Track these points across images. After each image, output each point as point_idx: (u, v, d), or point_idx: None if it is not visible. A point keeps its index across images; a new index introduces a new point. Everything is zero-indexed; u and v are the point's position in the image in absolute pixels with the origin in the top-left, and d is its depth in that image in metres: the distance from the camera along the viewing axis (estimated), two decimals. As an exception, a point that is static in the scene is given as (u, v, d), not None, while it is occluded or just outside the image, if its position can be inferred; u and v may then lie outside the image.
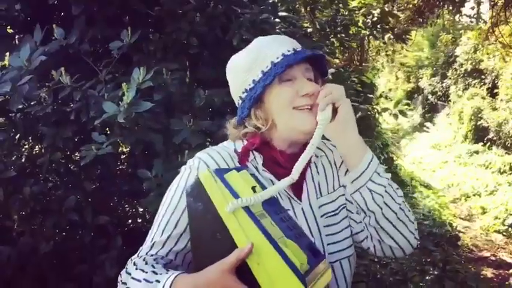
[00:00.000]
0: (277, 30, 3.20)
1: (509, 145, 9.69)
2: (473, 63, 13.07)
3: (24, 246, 2.59)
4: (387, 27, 4.44)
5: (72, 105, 2.28)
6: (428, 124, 16.41)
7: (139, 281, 1.00)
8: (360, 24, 4.39)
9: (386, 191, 1.09)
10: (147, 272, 1.01)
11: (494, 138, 10.46)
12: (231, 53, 3.12)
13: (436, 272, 4.34)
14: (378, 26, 4.35)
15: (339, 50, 4.65)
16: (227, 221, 0.90)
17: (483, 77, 12.62)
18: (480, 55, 10.41)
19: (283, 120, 1.16)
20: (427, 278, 4.16)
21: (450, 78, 15.47)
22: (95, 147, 2.13)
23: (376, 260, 4.38)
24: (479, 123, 11.22)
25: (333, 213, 1.19)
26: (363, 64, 4.89)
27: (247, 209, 0.90)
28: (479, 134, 11.26)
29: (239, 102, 1.23)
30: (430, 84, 17.46)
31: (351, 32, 4.19)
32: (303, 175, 1.16)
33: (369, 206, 1.10)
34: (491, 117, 10.55)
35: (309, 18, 4.40)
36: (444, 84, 16.22)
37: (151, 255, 1.09)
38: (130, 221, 3.72)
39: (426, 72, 18.00)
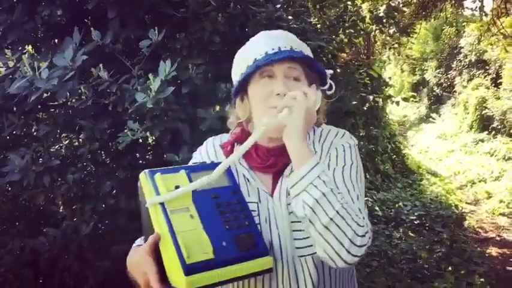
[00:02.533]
0: (290, 26, 3.36)
1: (513, 133, 9.76)
2: (477, 54, 13.09)
3: (68, 228, 2.80)
4: (393, 21, 4.59)
5: (110, 98, 2.45)
6: (434, 115, 16.43)
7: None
8: (367, 19, 4.54)
9: (318, 203, 1.02)
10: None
11: (499, 126, 10.50)
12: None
13: (443, 250, 4.50)
14: (384, 21, 4.50)
15: (346, 45, 4.78)
16: (150, 213, 1.03)
17: (487, 67, 12.64)
18: (484, 46, 10.44)
19: (257, 116, 1.19)
20: (434, 256, 4.32)
21: (455, 69, 15.46)
22: (130, 133, 2.32)
23: (387, 241, 4.55)
24: (483, 112, 11.26)
25: None
26: (370, 58, 5.01)
27: (162, 204, 1.00)
28: (484, 123, 11.29)
29: None
30: (435, 76, 17.43)
31: (358, 27, 4.34)
32: (282, 170, 1.19)
33: (298, 214, 1.07)
34: (495, 106, 10.59)
35: (317, 14, 4.55)
36: (449, 76, 16.20)
37: None
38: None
39: (431, 64, 17.96)
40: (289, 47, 1.17)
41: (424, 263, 4.05)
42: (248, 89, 1.20)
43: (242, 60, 1.21)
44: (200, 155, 1.32)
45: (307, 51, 1.22)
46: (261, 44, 1.19)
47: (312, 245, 1.12)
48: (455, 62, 15.44)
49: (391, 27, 4.68)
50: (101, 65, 2.35)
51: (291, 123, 1.08)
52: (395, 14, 4.63)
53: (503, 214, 6.26)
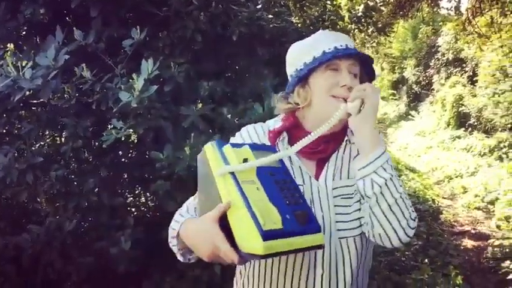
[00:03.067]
0: (271, 26, 3.42)
1: (488, 129, 9.96)
2: (454, 53, 13.29)
3: (51, 225, 2.81)
4: (371, 21, 4.69)
5: (94, 97, 2.48)
6: (413, 112, 16.64)
7: (174, 220, 1.26)
8: (346, 19, 4.63)
9: (386, 184, 1.14)
10: (179, 215, 1.27)
11: (475, 123, 10.70)
12: (231, 47, 3.37)
13: (420, 243, 4.62)
14: (362, 20, 4.60)
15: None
16: (217, 182, 1.08)
17: (464, 65, 12.87)
18: (460, 45, 10.65)
19: (320, 103, 1.25)
20: (412, 249, 4.44)
21: (433, 67, 15.67)
22: (114, 131, 2.35)
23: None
24: (460, 109, 11.47)
25: (346, 197, 1.25)
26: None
27: (232, 174, 1.05)
28: (461, 120, 11.49)
29: (289, 80, 1.35)
30: (414, 74, 17.65)
31: (338, 26, 4.42)
32: (328, 156, 1.28)
33: (366, 192, 1.16)
34: (471, 103, 10.80)
35: (298, 13, 4.62)
36: (427, 74, 16.41)
37: (187, 206, 1.31)
38: (140, 203, 3.97)
39: (410, 62, 18.19)
40: (353, 46, 1.27)
41: (401, 256, 4.16)
42: (310, 78, 1.27)
43: (305, 51, 1.29)
44: (242, 139, 1.37)
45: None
46: (329, 39, 1.28)
47: (353, 228, 1.23)
48: (433, 61, 15.65)
49: (369, 26, 4.78)
50: (83, 64, 2.37)
51: (365, 111, 1.17)
52: (373, 13, 4.75)
53: (478, 208, 6.42)
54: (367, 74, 1.32)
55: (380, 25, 4.95)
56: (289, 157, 1.28)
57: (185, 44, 3.02)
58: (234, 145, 1.14)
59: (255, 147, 1.16)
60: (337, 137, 1.30)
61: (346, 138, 1.31)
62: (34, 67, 2.24)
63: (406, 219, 1.15)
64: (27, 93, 2.49)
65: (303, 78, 1.28)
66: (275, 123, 1.37)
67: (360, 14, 4.65)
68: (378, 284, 3.26)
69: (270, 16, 3.53)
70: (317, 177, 1.28)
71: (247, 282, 1.36)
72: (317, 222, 1.09)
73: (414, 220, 1.18)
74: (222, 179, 1.07)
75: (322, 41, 1.28)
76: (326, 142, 1.28)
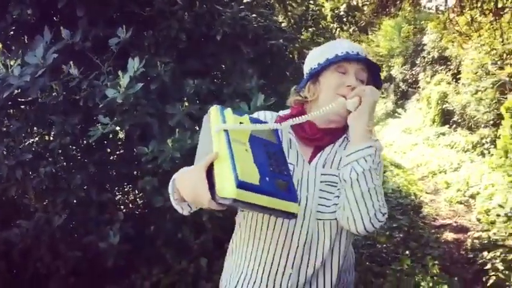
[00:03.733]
0: (255, 25, 3.51)
1: (472, 126, 10.15)
2: (439, 51, 13.51)
3: (40, 220, 2.87)
4: (353, 20, 4.80)
5: (81, 94, 2.55)
6: (399, 110, 16.86)
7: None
8: (328, 18, 4.74)
9: (363, 173, 1.24)
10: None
11: (459, 120, 10.90)
12: (215, 46, 3.46)
13: (401, 235, 4.75)
14: (344, 20, 4.71)
15: (311, 42, 4.96)
16: (213, 137, 1.21)
17: (449, 63, 13.07)
18: (444, 43, 10.82)
19: (325, 99, 1.37)
20: (393, 241, 4.56)
21: (419, 65, 15.90)
22: (101, 127, 2.42)
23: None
24: (444, 106, 11.68)
25: (332, 184, 1.37)
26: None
27: (226, 131, 1.19)
28: (446, 117, 11.70)
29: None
30: (401, 73, 17.87)
31: (320, 25, 4.52)
32: (324, 145, 1.41)
33: (344, 176, 1.28)
34: (455, 100, 11.00)
35: (283, 13, 4.72)
36: (414, 72, 16.64)
37: None
38: (129, 200, 4.04)
39: (397, 60, 18.41)
40: (364, 55, 1.39)
41: (382, 248, 4.27)
42: (320, 76, 1.40)
43: (320, 53, 1.42)
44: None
45: (362, 52, 1.41)
46: (344, 45, 1.40)
47: (331, 212, 1.35)
48: (419, 59, 15.87)
49: (351, 25, 4.89)
50: (71, 62, 2.44)
51: (360, 108, 1.29)
52: (356, 13, 4.85)
53: (460, 202, 6.56)
54: (374, 82, 1.41)
55: (362, 24, 5.07)
56: (289, 140, 1.43)
57: (170, 43, 3.10)
58: (236, 112, 1.27)
59: (255, 121, 1.29)
60: (337, 132, 1.42)
61: (344, 136, 1.43)
62: (23, 65, 2.30)
63: (374, 209, 1.24)
64: (16, 91, 2.56)
65: (314, 75, 1.41)
66: (284, 112, 1.50)
67: (342, 13, 4.76)
68: (359, 275, 3.37)
69: (254, 15, 3.62)
70: (309, 162, 1.40)
71: (234, 247, 1.52)
72: (295, 194, 1.19)
73: (383, 214, 1.26)
74: (217, 135, 1.20)
75: (337, 46, 1.40)
76: (324, 133, 1.40)
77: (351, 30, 5.06)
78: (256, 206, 1.13)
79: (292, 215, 1.18)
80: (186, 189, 1.19)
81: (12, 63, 2.29)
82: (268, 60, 3.76)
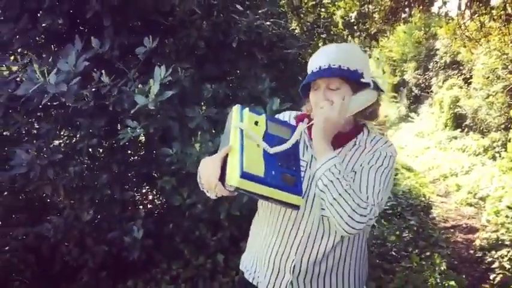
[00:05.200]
0: (269, 33, 3.67)
1: (483, 130, 10.20)
2: (452, 56, 13.57)
3: (69, 216, 3.06)
4: (363, 27, 4.93)
5: (110, 99, 2.73)
6: (412, 114, 16.89)
7: None
8: (339, 25, 4.89)
9: (332, 182, 1.34)
10: None
11: (471, 124, 10.95)
12: (231, 53, 3.64)
13: (411, 235, 4.86)
14: (355, 27, 4.85)
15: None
16: (232, 132, 1.38)
17: (461, 68, 13.13)
18: (456, 48, 10.89)
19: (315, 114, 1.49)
20: (403, 240, 4.67)
21: (431, 70, 15.94)
22: (130, 130, 2.60)
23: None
24: (456, 111, 11.74)
25: None
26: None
27: (240, 129, 1.36)
28: (458, 121, 11.76)
29: None
30: (414, 77, 17.89)
31: (332, 32, 4.67)
32: (341, 143, 1.52)
33: (319, 186, 1.38)
34: (467, 105, 11.05)
35: (296, 20, 4.88)
36: (426, 77, 16.67)
37: None
38: (148, 200, 4.22)
39: (410, 65, 18.43)
40: (327, 65, 1.44)
41: (392, 247, 4.39)
42: (310, 93, 1.53)
43: (308, 67, 1.52)
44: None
45: (351, 63, 1.46)
46: (317, 59, 1.48)
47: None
48: (431, 64, 15.90)
49: (361, 32, 5.03)
50: (103, 70, 2.63)
51: (313, 127, 1.43)
52: (366, 19, 4.99)
53: (470, 204, 6.64)
54: (354, 80, 1.46)
55: (373, 31, 5.20)
56: (305, 140, 1.57)
57: (189, 50, 3.28)
58: (255, 112, 1.44)
59: (273, 120, 1.46)
60: (344, 136, 1.52)
61: (354, 140, 1.54)
62: (56, 73, 2.48)
63: (347, 213, 1.32)
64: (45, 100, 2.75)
65: (305, 91, 1.56)
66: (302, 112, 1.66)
67: (352, 20, 4.91)
68: (369, 271, 3.49)
69: (268, 23, 3.79)
70: None
71: (253, 229, 1.71)
72: (300, 188, 1.34)
73: (361, 215, 1.32)
74: (234, 131, 1.38)
75: (314, 61, 1.49)
76: (334, 137, 1.48)
77: (361, 37, 5.19)
78: (259, 195, 1.30)
79: (295, 207, 1.34)
80: (203, 175, 1.40)
81: (44, 70, 2.46)
82: (282, 65, 3.92)
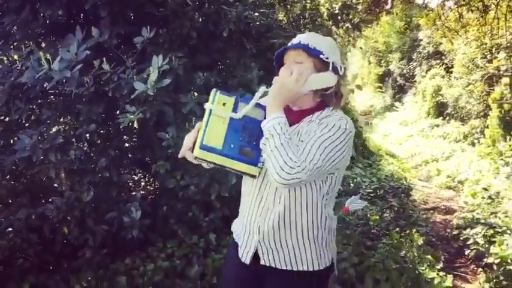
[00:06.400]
0: (257, 23, 3.84)
1: (464, 117, 10.48)
2: (434, 46, 13.78)
3: (71, 197, 3.20)
4: (347, 18, 5.12)
5: (110, 86, 2.88)
6: (397, 104, 17.11)
7: None
8: (324, 16, 5.07)
9: (272, 136, 1.50)
10: None
11: (452, 112, 11.23)
12: (222, 43, 3.80)
13: (392, 215, 5.10)
14: (339, 18, 5.02)
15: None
16: (206, 112, 1.60)
17: (443, 57, 13.36)
18: (438, 38, 11.11)
19: None
20: (384, 219, 4.90)
21: (415, 60, 16.15)
22: (129, 114, 2.76)
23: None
24: (438, 99, 12.02)
25: None
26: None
27: (210, 110, 1.58)
28: (440, 110, 12.03)
29: None
30: (398, 67, 18.07)
31: (317, 23, 4.84)
32: (296, 122, 1.65)
33: (263, 140, 1.55)
34: (448, 93, 11.32)
35: (283, 11, 5.03)
36: (411, 67, 16.87)
37: None
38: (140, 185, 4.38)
39: (395, 56, 18.61)
40: (298, 41, 1.65)
41: (374, 226, 4.62)
42: None
43: None
44: None
45: (318, 45, 1.63)
46: (293, 40, 1.69)
47: None
48: (415, 54, 16.12)
49: (345, 23, 5.20)
50: (104, 58, 2.78)
51: (270, 90, 1.61)
52: (350, 10, 5.17)
53: (449, 187, 6.92)
54: (315, 57, 1.62)
55: (356, 21, 5.37)
56: None
57: (182, 40, 3.43)
58: (228, 94, 1.64)
59: (246, 101, 1.63)
60: (305, 111, 1.66)
61: (311, 116, 1.64)
62: (59, 61, 2.63)
63: (279, 165, 1.45)
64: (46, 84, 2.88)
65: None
66: None
67: (337, 11, 5.08)
68: (352, 248, 3.71)
69: (256, 14, 3.95)
70: None
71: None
72: (257, 160, 1.58)
73: (290, 168, 1.44)
74: (207, 110, 1.60)
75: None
76: (292, 113, 1.66)
77: (344, 27, 5.37)
78: (217, 164, 1.58)
79: (252, 176, 1.60)
80: (183, 146, 1.65)
81: (49, 58, 2.61)
82: (270, 55, 4.09)
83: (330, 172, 1.59)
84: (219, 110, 1.59)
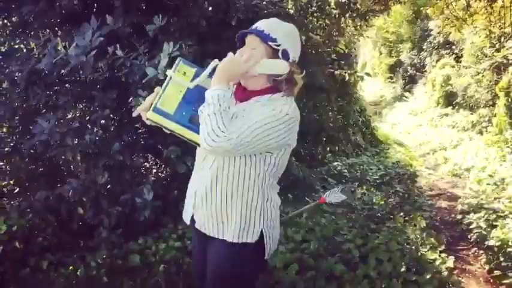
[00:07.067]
0: (265, 12, 3.91)
1: (472, 106, 10.47)
2: (444, 36, 13.70)
3: (86, 179, 3.33)
4: (354, 7, 5.16)
5: (123, 71, 2.99)
6: (407, 94, 17.09)
7: None
8: (332, 5, 5.13)
9: (207, 104, 1.56)
10: None
11: (461, 101, 11.21)
12: (230, 31, 3.89)
13: (397, 199, 5.18)
14: (346, 7, 5.07)
15: (318, 26, 5.32)
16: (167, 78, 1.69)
17: (453, 47, 13.30)
18: (445, 28, 11.07)
19: None
20: (389, 204, 4.98)
21: (426, 50, 16.07)
22: (142, 99, 2.87)
23: (351, 195, 5.20)
24: (448, 89, 11.99)
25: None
26: (334, 38, 5.54)
27: (170, 77, 1.66)
28: (449, 99, 12.02)
29: None
30: (409, 58, 18.01)
31: (325, 12, 4.88)
32: (245, 99, 1.72)
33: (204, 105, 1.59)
34: (457, 83, 11.29)
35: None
36: (421, 57, 16.80)
37: None
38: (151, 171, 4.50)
39: (406, 46, 18.53)
40: (255, 27, 1.72)
41: (379, 210, 4.70)
42: None
43: None
44: None
45: (273, 32, 1.68)
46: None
47: None
48: (425, 44, 16.04)
49: (352, 12, 5.24)
50: (117, 44, 2.88)
51: (218, 65, 1.66)
52: (357, 0, 5.22)
53: (455, 175, 6.97)
54: (266, 41, 1.67)
55: (364, 10, 5.41)
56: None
57: (192, 28, 3.52)
58: (191, 65, 1.74)
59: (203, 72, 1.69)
60: (255, 92, 1.72)
61: (259, 97, 1.70)
62: (75, 47, 2.74)
63: (206, 131, 1.53)
64: (62, 70, 3.00)
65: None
66: None
67: (344, 0, 5.13)
68: (357, 231, 3.81)
69: (264, 3, 4.03)
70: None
71: None
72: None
73: (216, 136, 1.52)
74: (168, 76, 1.68)
75: None
76: (241, 90, 1.75)
77: (352, 17, 5.40)
78: (167, 129, 1.64)
79: (198, 144, 1.65)
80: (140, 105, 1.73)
81: (66, 44, 2.72)
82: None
83: (265, 151, 1.64)
84: (179, 78, 1.67)
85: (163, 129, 1.67)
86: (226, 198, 1.70)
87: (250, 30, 1.71)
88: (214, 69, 1.67)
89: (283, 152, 1.69)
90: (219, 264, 1.76)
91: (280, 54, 1.67)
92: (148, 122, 1.67)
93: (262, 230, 1.72)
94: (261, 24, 1.72)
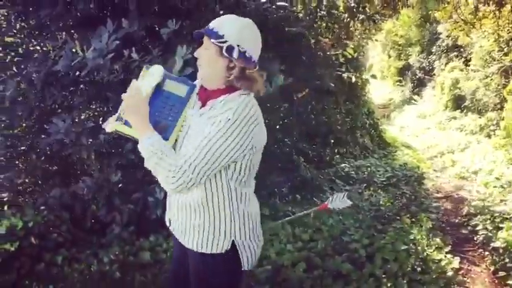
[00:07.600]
0: (275, 16, 3.98)
1: (480, 110, 10.46)
2: (453, 40, 13.68)
3: (99, 178, 3.42)
4: (362, 10, 5.21)
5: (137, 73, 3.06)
6: (416, 97, 17.07)
7: None
8: (340, 8, 5.18)
9: (147, 159, 1.54)
10: None
11: (470, 105, 11.19)
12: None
13: (404, 201, 5.21)
14: (355, 10, 5.13)
15: (327, 30, 5.39)
16: None
17: (462, 51, 13.27)
18: (454, 31, 11.06)
19: None
20: (396, 206, 5.01)
21: (434, 54, 16.05)
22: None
23: (359, 197, 5.25)
24: (456, 92, 11.99)
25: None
26: (342, 41, 5.58)
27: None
28: (458, 102, 12.01)
29: None
30: (418, 61, 17.98)
31: (333, 15, 4.94)
32: (206, 101, 1.63)
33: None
34: (466, 86, 11.28)
35: (301, 3, 5.15)
36: (430, 60, 16.77)
37: None
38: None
39: (415, 49, 18.51)
40: (207, 26, 1.62)
41: (386, 211, 4.74)
42: None
43: None
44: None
45: (221, 29, 1.57)
46: None
47: None
48: (434, 47, 16.01)
49: (360, 15, 5.29)
50: (133, 48, 2.96)
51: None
52: (366, 4, 5.26)
53: (463, 177, 6.98)
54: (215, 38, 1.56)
55: (372, 14, 5.46)
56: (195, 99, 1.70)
57: (204, 32, 3.60)
58: (160, 71, 1.67)
59: (172, 78, 1.70)
60: (216, 93, 1.62)
61: (222, 99, 1.59)
62: (92, 50, 2.83)
63: (163, 178, 1.53)
64: (77, 72, 3.08)
65: None
66: None
67: (352, 4, 5.19)
68: (363, 231, 3.86)
69: (274, 7, 4.10)
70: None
71: None
72: (167, 135, 1.61)
73: (173, 178, 1.50)
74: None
75: None
76: (203, 90, 1.68)
77: (360, 20, 5.45)
78: (130, 136, 1.63)
79: None
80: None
81: (84, 47, 2.81)
82: (286, 46, 4.24)
83: (231, 162, 1.57)
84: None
85: (127, 137, 1.66)
86: (195, 210, 1.64)
87: (202, 30, 1.62)
88: (164, 75, 1.67)
89: (250, 156, 1.59)
90: (194, 273, 1.74)
91: (224, 50, 1.56)
92: (114, 132, 1.66)
93: (233, 241, 1.64)
94: (213, 22, 1.63)
